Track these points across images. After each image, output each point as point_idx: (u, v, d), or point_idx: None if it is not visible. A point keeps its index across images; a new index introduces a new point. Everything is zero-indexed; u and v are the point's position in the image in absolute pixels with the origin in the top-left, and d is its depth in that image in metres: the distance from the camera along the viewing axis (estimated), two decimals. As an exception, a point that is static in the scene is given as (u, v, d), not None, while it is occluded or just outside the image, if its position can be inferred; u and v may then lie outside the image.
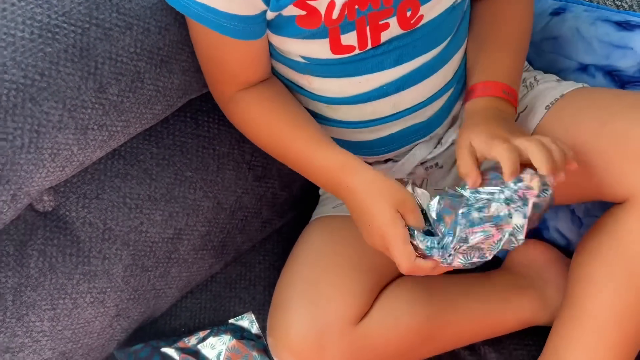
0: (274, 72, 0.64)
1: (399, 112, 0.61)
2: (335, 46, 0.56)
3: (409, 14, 0.55)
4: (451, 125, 0.66)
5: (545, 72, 0.69)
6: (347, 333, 0.58)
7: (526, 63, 0.70)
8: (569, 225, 0.69)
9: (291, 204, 0.75)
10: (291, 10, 0.53)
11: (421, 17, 0.56)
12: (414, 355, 0.63)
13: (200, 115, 0.66)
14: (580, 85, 0.64)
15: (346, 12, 0.53)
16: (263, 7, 0.53)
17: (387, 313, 0.61)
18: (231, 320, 0.69)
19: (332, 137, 0.64)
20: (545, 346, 0.60)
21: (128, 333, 0.65)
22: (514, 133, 0.54)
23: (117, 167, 0.61)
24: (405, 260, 0.52)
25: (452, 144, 0.65)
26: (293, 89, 0.63)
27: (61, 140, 0.51)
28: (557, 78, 0.67)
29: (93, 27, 0.50)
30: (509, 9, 0.62)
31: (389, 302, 0.62)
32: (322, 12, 0.53)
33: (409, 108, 0.61)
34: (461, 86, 0.64)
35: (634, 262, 0.53)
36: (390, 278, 0.64)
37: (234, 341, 0.65)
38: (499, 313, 0.65)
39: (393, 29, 0.56)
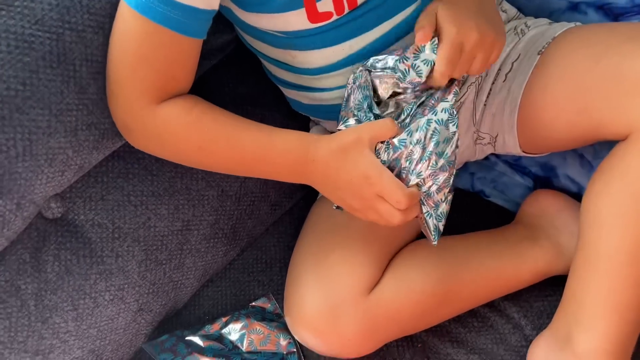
0: (257, 52, 0.64)
1: None
2: (313, 14, 0.55)
3: None
4: None
5: (537, 16, 0.67)
6: (359, 303, 0.59)
7: (516, 10, 0.68)
8: (579, 170, 0.68)
9: (298, 185, 0.75)
10: None
11: None
12: (431, 319, 0.63)
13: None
14: (572, 24, 0.62)
15: None
16: None
17: (398, 279, 0.61)
18: (252, 303, 0.70)
19: (316, 105, 0.64)
20: (564, 293, 0.59)
21: (153, 326, 0.67)
22: (479, 22, 0.52)
23: (118, 167, 0.62)
24: (399, 191, 0.52)
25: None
26: (277, 65, 0.63)
27: (54, 145, 0.52)
28: (549, 21, 0.65)
29: (67, 31, 0.51)
30: None
31: (400, 268, 0.62)
32: None
33: None
34: None
35: None
36: (400, 246, 0.64)
37: (255, 323, 0.66)
38: (513, 267, 0.64)
39: None
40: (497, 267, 0.64)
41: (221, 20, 0.63)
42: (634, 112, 0.51)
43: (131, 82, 0.53)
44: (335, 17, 0.56)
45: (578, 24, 0.62)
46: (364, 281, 0.60)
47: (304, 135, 0.55)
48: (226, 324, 0.68)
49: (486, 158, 0.73)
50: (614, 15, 0.62)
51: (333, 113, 0.66)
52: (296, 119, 0.72)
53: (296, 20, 0.55)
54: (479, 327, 0.65)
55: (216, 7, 0.53)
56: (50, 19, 0.50)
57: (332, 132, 0.71)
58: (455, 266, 0.62)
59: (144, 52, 0.52)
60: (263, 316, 0.69)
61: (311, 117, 0.72)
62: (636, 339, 0.56)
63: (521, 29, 0.64)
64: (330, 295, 0.59)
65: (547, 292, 0.66)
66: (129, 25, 0.52)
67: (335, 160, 0.53)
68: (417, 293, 0.60)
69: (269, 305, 0.70)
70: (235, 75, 0.70)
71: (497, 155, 0.73)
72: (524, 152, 0.65)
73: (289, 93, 0.67)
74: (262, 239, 0.74)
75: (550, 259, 0.64)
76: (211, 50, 0.67)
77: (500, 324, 0.65)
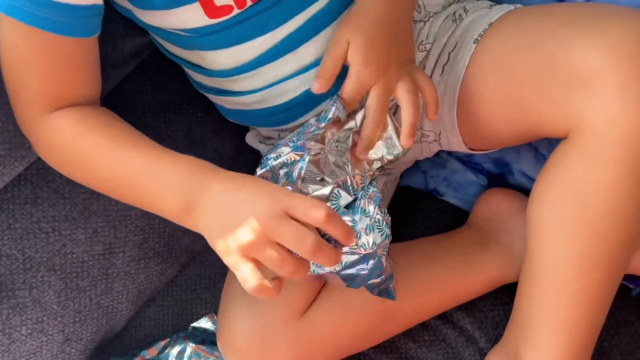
0: (170, 55, 0.59)
1: (302, 68, 0.54)
2: (210, 9, 0.49)
3: None
4: None
5: (478, -2, 0.61)
6: (290, 327, 0.54)
7: (456, -7, 0.62)
8: (534, 165, 0.62)
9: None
10: None
11: None
12: (373, 338, 0.58)
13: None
14: (512, 7, 0.55)
15: None
16: None
17: (334, 298, 0.56)
18: (193, 324, 0.66)
19: (239, 110, 0.59)
20: (513, 306, 0.54)
21: (87, 354, 0.63)
22: (399, 58, 0.49)
23: (25, 192, 0.58)
24: (316, 206, 0.42)
25: None
26: (191, 68, 0.58)
27: None
28: (490, 4, 0.59)
29: None
30: None
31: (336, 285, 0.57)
32: None
33: (313, 62, 0.54)
34: None
35: (584, 204, 0.46)
36: (338, 259, 0.59)
37: (193, 346, 0.63)
38: (462, 276, 0.59)
39: None
40: (443, 277, 0.59)
41: (131, 24, 0.58)
42: (571, 108, 0.45)
43: (21, 91, 0.49)
44: (236, 10, 0.50)
45: (519, 6, 0.56)
46: (295, 302, 0.55)
47: (199, 160, 0.47)
48: (164, 349, 0.64)
49: (437, 154, 0.68)
50: (559, -7, 0.56)
51: (258, 119, 0.61)
52: (230, 123, 0.67)
53: (192, 16, 0.50)
54: (430, 341, 0.61)
55: (98, 1, 0.47)
56: None
57: (268, 137, 0.66)
58: (396, 279, 0.57)
59: (26, 58, 0.47)
60: (204, 338, 0.65)
61: (245, 122, 0.67)
62: (590, 355, 0.51)
63: (459, 14, 0.58)
64: (260, 319, 0.55)
65: (503, 300, 0.61)
66: (5, 30, 0.47)
67: (238, 187, 0.45)
68: (355, 312, 0.56)
69: (211, 325, 0.66)
70: (154, 82, 0.64)
71: (448, 152, 0.68)
72: (470, 149, 0.59)
73: (212, 98, 0.62)
74: (205, 254, 0.69)
75: (502, 266, 0.59)
76: (123, 57, 0.61)
77: (452, 337, 0.61)
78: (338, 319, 0.56)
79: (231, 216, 0.44)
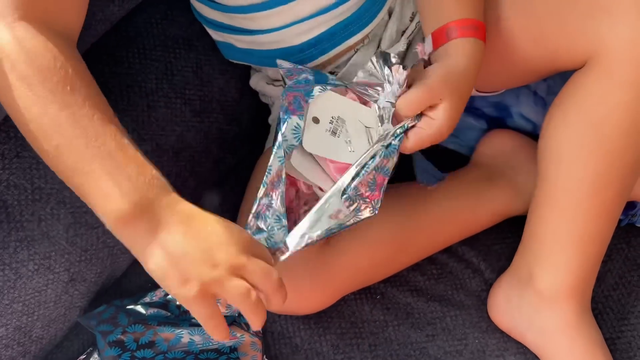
0: None
1: (321, 9, 0.55)
2: None
3: None
4: (389, 21, 0.60)
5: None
6: (313, 253, 0.55)
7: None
8: (533, 108, 0.66)
9: (242, 139, 0.70)
10: None
11: None
12: (388, 268, 0.60)
13: (118, 51, 0.59)
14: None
15: None
16: None
17: (353, 229, 0.57)
18: (198, 267, 0.65)
19: (251, 50, 0.58)
20: (524, 232, 0.58)
21: (89, 298, 0.61)
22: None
23: (34, 120, 0.55)
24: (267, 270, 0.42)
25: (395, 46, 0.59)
26: (207, 4, 0.57)
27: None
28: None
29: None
30: None
31: (355, 215, 0.58)
32: None
33: (332, 4, 0.55)
34: None
35: (602, 126, 0.49)
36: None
37: (202, 287, 0.62)
38: (471, 209, 0.62)
39: None
40: (454, 210, 0.61)
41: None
42: (590, 36, 0.49)
43: None
44: None
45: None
46: (317, 232, 0.56)
47: (165, 185, 0.42)
48: (171, 290, 0.63)
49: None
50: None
51: (270, 59, 0.61)
52: (235, 66, 0.67)
53: None
54: (438, 274, 0.63)
55: None
56: None
57: (275, 80, 0.66)
58: (412, 212, 0.60)
59: None
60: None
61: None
62: (597, 270, 0.55)
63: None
64: (282, 247, 0.55)
65: (505, 235, 0.65)
66: None
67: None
68: (373, 241, 0.57)
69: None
70: (164, 15, 0.63)
71: (448, 98, 0.70)
72: (477, 90, 0.62)
73: (221, 36, 0.62)
74: (206, 200, 0.69)
75: (508, 199, 0.62)
76: (136, -14, 0.60)
77: (459, 269, 0.63)
78: (358, 247, 0.57)
79: (199, 243, 0.40)
